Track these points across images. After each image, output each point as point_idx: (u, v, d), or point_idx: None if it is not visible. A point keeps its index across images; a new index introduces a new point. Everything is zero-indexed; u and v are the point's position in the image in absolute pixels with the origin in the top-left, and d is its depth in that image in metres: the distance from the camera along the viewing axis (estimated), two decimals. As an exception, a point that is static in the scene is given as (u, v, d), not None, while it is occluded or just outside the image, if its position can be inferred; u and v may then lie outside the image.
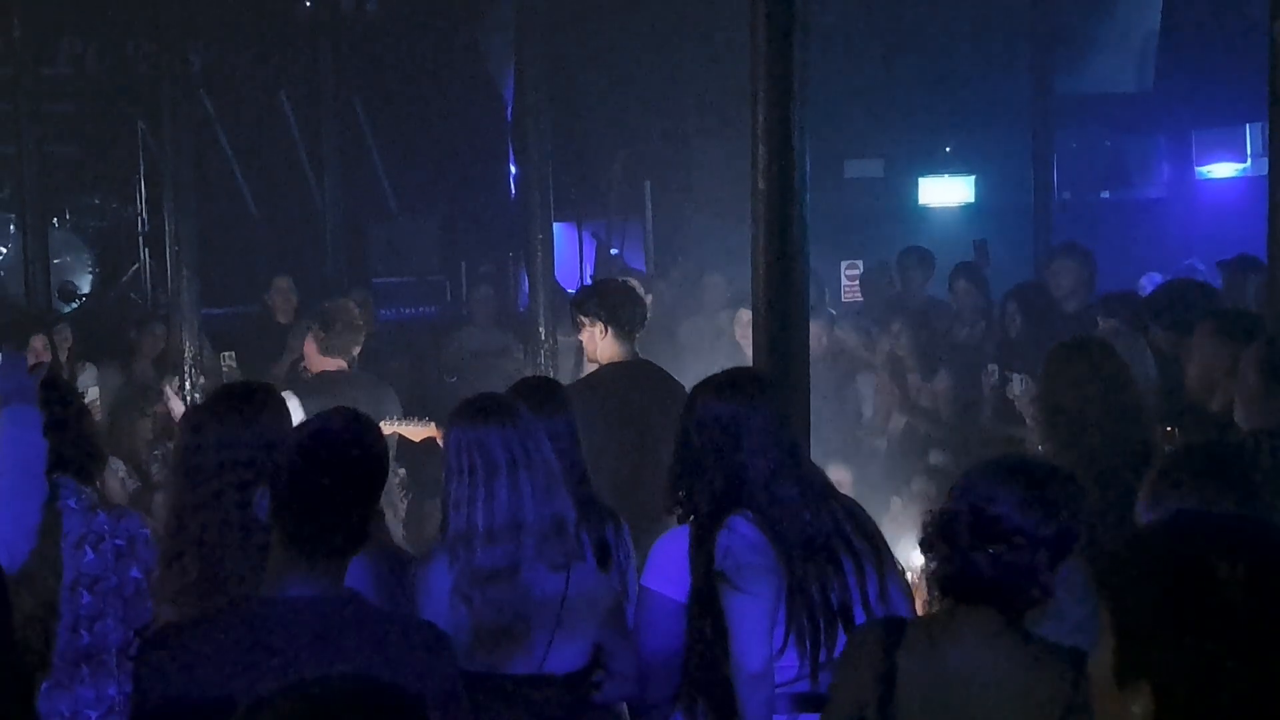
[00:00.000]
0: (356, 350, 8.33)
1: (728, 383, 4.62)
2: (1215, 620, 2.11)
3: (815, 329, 7.16)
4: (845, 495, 4.94)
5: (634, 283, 10.05)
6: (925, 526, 3.59)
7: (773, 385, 4.79)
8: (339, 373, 8.11)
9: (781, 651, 4.33)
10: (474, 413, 4.53)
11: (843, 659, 3.77)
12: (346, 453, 3.29)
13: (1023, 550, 3.43)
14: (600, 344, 7.16)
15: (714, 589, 4.33)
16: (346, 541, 3.29)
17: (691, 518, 4.51)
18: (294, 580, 3.26)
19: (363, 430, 3.35)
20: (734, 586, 4.29)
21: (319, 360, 8.18)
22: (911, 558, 5.40)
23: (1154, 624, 2.16)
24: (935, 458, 8.87)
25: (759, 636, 4.29)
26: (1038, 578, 3.45)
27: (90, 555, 4.76)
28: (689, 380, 6.36)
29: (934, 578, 3.58)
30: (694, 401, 4.61)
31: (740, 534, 4.34)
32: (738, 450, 4.43)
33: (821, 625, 4.34)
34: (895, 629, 3.61)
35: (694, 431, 4.53)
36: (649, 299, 9.97)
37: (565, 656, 4.42)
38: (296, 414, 7.57)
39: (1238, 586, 2.10)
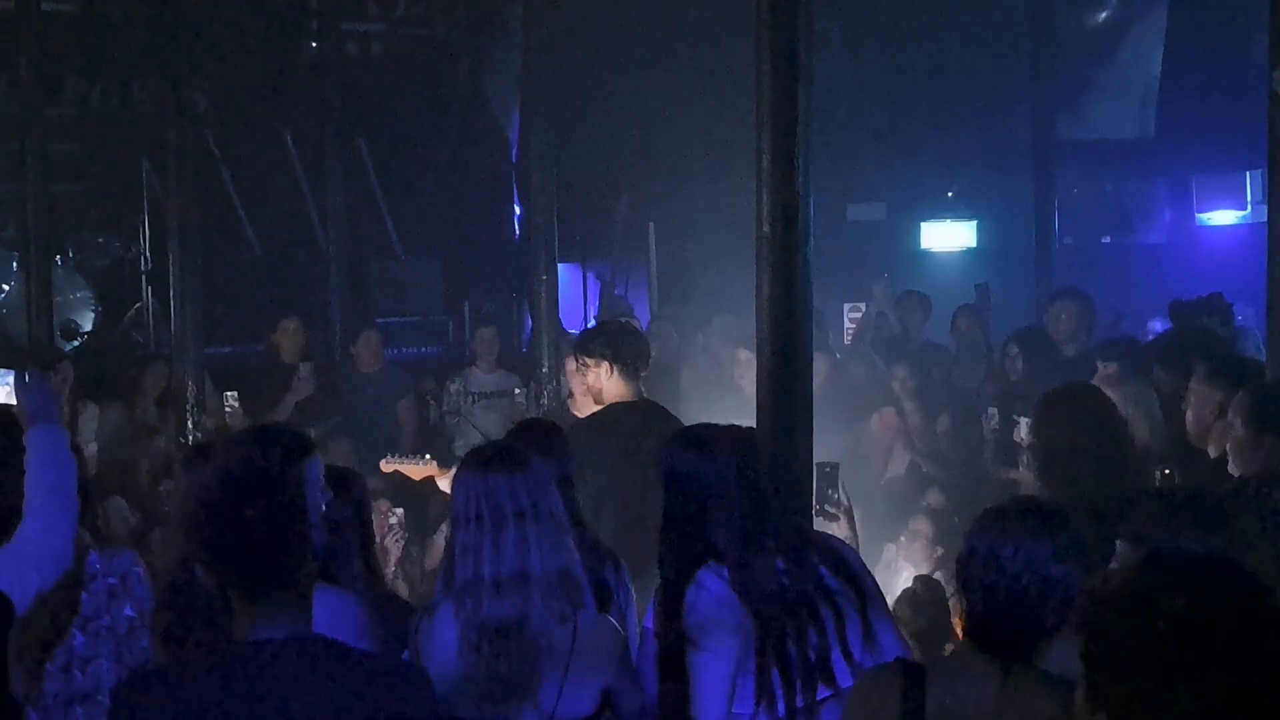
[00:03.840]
0: None
1: (689, 438, 4.60)
2: (1153, 650, 2.18)
3: (820, 364, 7.17)
4: (825, 535, 4.94)
5: (652, 324, 10.10)
6: (956, 575, 3.67)
7: (742, 436, 4.70)
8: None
9: (757, 705, 4.29)
10: (483, 461, 4.49)
11: (856, 702, 3.77)
12: (259, 479, 3.17)
13: (1035, 591, 3.51)
14: (606, 384, 7.17)
15: (680, 649, 4.31)
16: (290, 574, 3.17)
17: (661, 576, 4.49)
18: (261, 623, 3.17)
19: (273, 453, 3.21)
20: (696, 645, 4.27)
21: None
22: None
23: (1108, 654, 2.24)
24: (934, 498, 8.86)
25: (718, 693, 4.26)
26: (1051, 616, 3.53)
27: (83, 595, 4.75)
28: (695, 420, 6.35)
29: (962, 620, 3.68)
30: (663, 457, 4.58)
31: (708, 590, 4.31)
32: (703, 506, 4.40)
33: (796, 677, 4.32)
34: (914, 672, 3.64)
35: (665, 487, 4.52)
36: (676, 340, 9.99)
37: (574, 704, 4.40)
38: None
39: (1173, 614, 2.18)
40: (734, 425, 4.76)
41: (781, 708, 4.28)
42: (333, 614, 4.38)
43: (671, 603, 4.36)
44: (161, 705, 3.14)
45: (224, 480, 3.20)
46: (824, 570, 4.46)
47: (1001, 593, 3.54)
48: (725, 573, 4.33)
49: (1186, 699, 2.17)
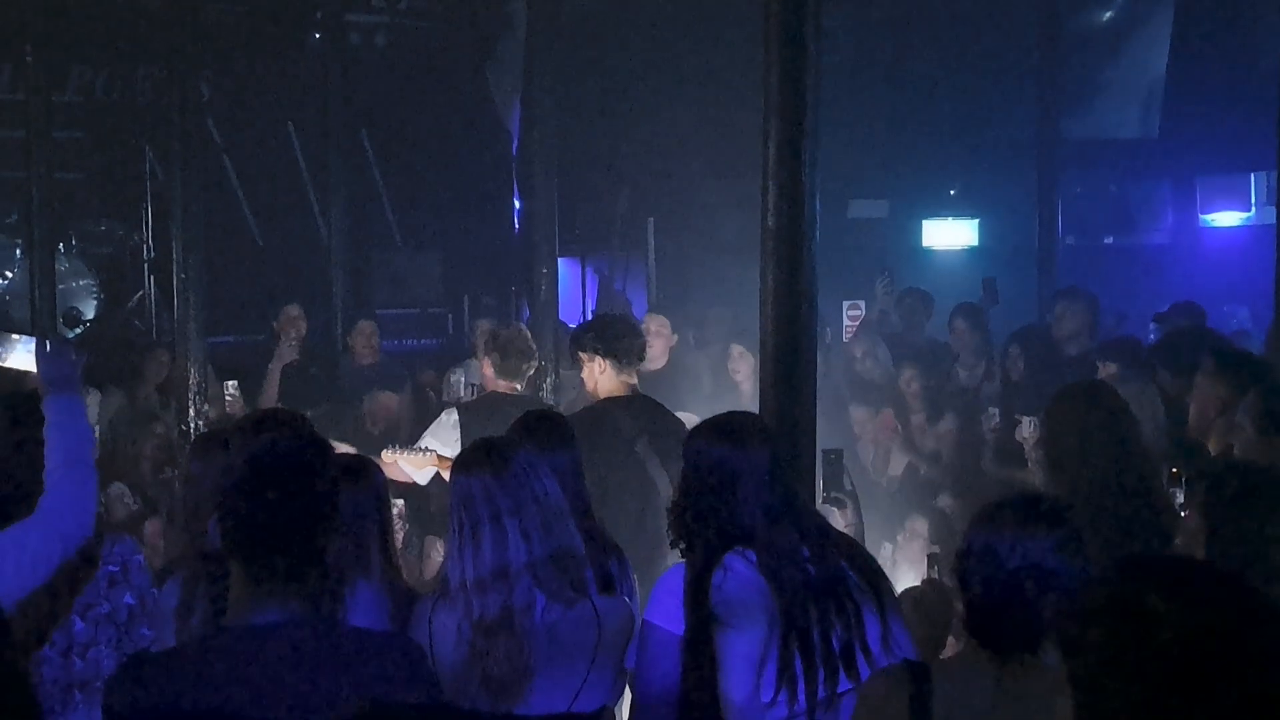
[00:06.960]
0: (529, 373, 8.52)
1: (722, 426, 4.59)
2: (1156, 665, 2.11)
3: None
4: (844, 534, 4.93)
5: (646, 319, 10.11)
6: (954, 572, 3.62)
7: (768, 428, 4.75)
8: (507, 395, 8.16)
9: (777, 692, 4.29)
10: (461, 464, 4.56)
11: (864, 704, 3.74)
12: (292, 470, 3.20)
13: (1033, 585, 3.47)
14: (600, 378, 7.17)
15: (708, 629, 4.31)
16: (305, 563, 3.20)
17: (687, 557, 4.49)
18: (259, 607, 3.18)
19: (306, 446, 3.26)
20: (724, 623, 4.27)
21: (492, 383, 8.35)
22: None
23: (1101, 672, 2.17)
24: (944, 501, 8.82)
25: (746, 670, 4.25)
26: (1050, 610, 3.48)
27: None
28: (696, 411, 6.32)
29: (961, 620, 3.63)
30: (690, 444, 4.59)
31: (735, 572, 4.31)
32: (733, 494, 4.39)
33: (820, 665, 4.31)
34: (921, 673, 3.61)
35: (690, 474, 4.52)
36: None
37: (597, 691, 4.48)
38: (453, 431, 7.72)
39: (1173, 624, 2.11)
40: (759, 417, 4.79)
41: (802, 697, 4.27)
42: (365, 606, 4.42)
43: (698, 585, 4.35)
44: (158, 688, 3.14)
45: (256, 459, 3.21)
46: (844, 564, 4.46)
47: (998, 587, 3.49)
48: (753, 556, 4.34)
49: (1196, 712, 2.12)
